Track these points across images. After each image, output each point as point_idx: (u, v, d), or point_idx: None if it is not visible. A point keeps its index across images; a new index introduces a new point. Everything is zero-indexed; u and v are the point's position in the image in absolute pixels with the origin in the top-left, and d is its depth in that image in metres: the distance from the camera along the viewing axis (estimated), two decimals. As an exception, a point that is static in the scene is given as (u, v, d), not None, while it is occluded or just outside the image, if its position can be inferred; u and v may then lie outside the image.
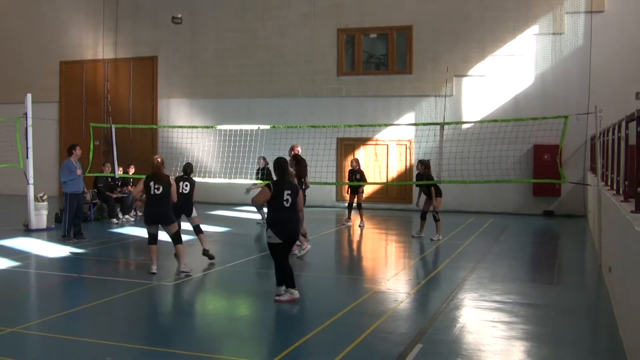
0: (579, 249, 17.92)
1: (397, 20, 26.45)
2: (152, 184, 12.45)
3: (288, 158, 15.77)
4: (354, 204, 21.08)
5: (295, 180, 13.44)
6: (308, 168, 15.71)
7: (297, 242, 14.37)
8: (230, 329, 9.41)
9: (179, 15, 20.23)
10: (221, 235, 18.45)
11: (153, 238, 12.71)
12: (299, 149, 16.47)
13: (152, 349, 8.22)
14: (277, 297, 10.55)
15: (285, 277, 10.57)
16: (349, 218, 21.38)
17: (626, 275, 8.33)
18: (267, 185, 10.58)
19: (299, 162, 15.01)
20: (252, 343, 8.78)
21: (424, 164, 17.67)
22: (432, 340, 8.54)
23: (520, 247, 17.82)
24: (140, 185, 12.69)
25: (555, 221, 23.31)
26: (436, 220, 17.61)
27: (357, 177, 20.76)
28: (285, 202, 10.40)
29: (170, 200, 12.61)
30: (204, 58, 28.95)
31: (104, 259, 14.35)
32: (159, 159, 12.86)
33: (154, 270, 12.44)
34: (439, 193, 17.65)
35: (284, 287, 10.60)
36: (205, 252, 13.97)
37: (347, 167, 22.29)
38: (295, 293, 10.52)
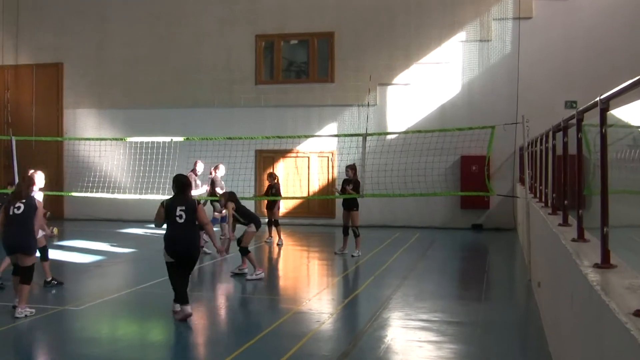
0: (508, 264, 18.25)
1: (318, 26, 26.53)
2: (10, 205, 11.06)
3: (189, 173, 16.46)
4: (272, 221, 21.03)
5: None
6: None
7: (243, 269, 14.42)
8: (141, 355, 9.26)
9: None
10: (132, 255, 18.13)
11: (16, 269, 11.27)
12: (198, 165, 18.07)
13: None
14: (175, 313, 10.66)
15: (178, 295, 10.59)
16: (270, 236, 21.12)
17: (554, 290, 8.49)
18: (161, 203, 10.67)
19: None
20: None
21: (353, 169, 17.74)
22: (356, 362, 8.56)
23: (447, 263, 18.04)
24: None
25: (484, 235, 23.69)
26: (356, 235, 17.66)
27: (272, 191, 20.58)
28: (178, 218, 10.49)
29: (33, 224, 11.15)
30: (113, 66, 28.45)
31: (2, 283, 13.92)
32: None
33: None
34: (356, 206, 17.77)
35: (178, 305, 10.57)
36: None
37: (266, 181, 22.05)
38: (187, 309, 10.48)
